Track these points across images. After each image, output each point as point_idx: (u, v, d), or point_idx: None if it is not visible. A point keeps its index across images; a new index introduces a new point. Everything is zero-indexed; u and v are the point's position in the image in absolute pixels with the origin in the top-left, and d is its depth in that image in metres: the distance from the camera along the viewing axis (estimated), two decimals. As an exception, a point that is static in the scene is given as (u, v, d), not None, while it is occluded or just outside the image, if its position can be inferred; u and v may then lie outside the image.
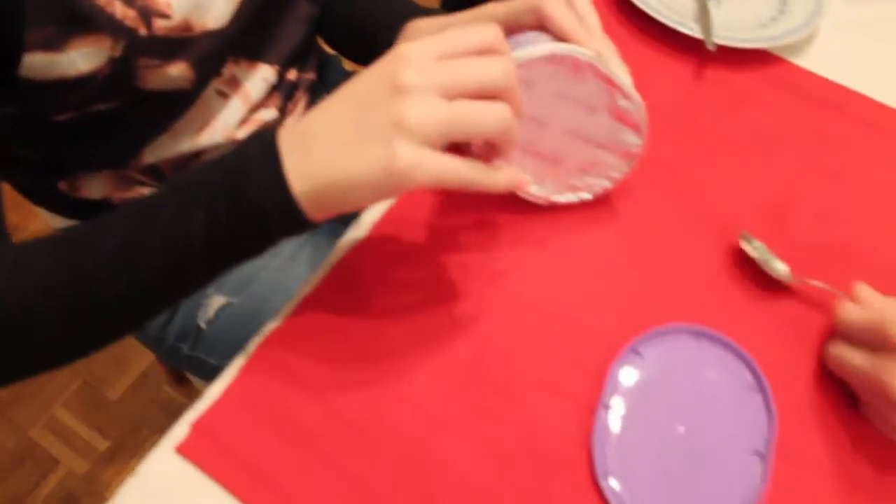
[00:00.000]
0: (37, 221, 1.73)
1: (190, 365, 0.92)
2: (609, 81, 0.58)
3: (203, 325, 0.86)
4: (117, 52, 0.61)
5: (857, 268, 0.67)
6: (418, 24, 0.67)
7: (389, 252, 0.67)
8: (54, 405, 1.56)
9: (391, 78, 0.48)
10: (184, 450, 0.56)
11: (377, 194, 0.50)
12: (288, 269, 0.86)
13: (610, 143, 0.63)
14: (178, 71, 0.67)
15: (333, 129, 0.49)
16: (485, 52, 0.50)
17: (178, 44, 0.65)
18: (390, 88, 0.48)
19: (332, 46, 0.92)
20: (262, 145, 0.50)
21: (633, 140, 0.63)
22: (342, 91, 0.50)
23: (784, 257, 0.66)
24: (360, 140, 0.48)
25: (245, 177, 0.50)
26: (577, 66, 0.57)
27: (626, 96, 0.59)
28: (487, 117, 0.49)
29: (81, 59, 0.59)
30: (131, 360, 1.62)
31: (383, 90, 0.48)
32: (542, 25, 0.57)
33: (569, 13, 0.57)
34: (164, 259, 0.52)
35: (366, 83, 0.50)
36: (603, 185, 0.67)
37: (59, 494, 1.48)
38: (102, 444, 1.52)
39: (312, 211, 0.50)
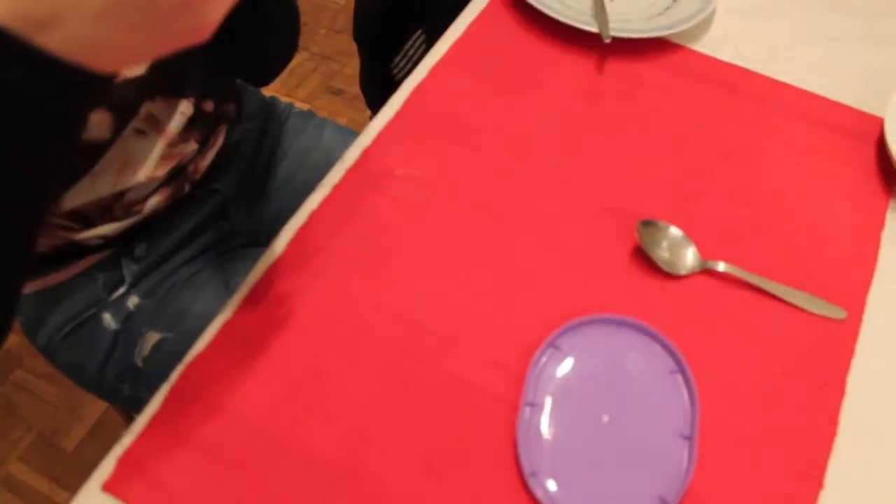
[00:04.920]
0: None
1: (134, 405, 0.91)
2: None
3: (140, 364, 0.85)
4: None
5: (762, 244, 0.69)
6: None
7: (301, 271, 0.68)
8: (8, 461, 1.53)
9: None
10: (110, 487, 0.56)
11: None
12: (221, 299, 0.86)
13: None
14: (97, 118, 0.67)
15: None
16: None
17: None
18: None
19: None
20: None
21: None
22: None
23: (694, 238, 0.68)
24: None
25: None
26: None
27: None
28: None
29: None
30: (85, 408, 1.60)
31: None
32: None
33: None
34: None
35: None
36: None
37: (22, 550, 1.45)
38: (62, 496, 1.50)
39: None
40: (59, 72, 0.39)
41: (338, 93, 1.98)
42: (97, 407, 1.59)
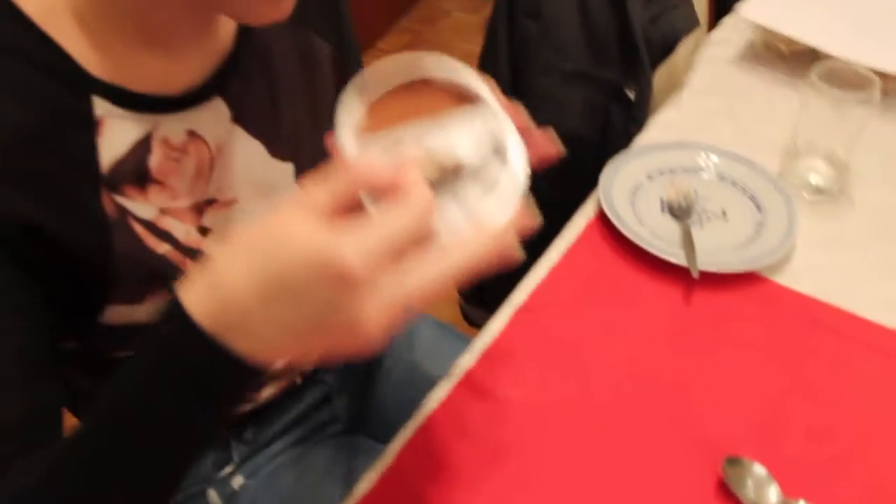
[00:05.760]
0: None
1: None
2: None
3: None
4: None
5: (844, 485, 0.72)
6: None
7: (404, 489, 0.73)
8: None
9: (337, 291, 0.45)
10: None
11: None
12: (319, 487, 0.91)
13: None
14: None
15: (280, 320, 0.47)
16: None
17: None
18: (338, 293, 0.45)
19: None
20: (191, 335, 0.48)
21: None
22: (270, 277, 0.46)
23: (776, 475, 0.72)
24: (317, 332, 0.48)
25: (209, 376, 0.50)
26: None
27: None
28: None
29: (155, 307, 0.67)
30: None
31: (330, 296, 0.46)
32: None
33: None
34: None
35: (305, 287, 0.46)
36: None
37: None
38: None
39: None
40: (239, 364, 0.49)
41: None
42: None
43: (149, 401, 0.51)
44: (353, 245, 0.44)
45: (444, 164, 0.54)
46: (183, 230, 0.68)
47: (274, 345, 0.49)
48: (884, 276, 0.92)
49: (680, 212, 0.97)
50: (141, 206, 0.65)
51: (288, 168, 0.77)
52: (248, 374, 0.50)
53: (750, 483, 0.71)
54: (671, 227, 0.96)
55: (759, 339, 0.85)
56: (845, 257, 0.94)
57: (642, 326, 0.86)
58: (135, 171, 0.65)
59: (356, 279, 0.44)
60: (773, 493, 0.71)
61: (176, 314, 0.48)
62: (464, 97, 0.59)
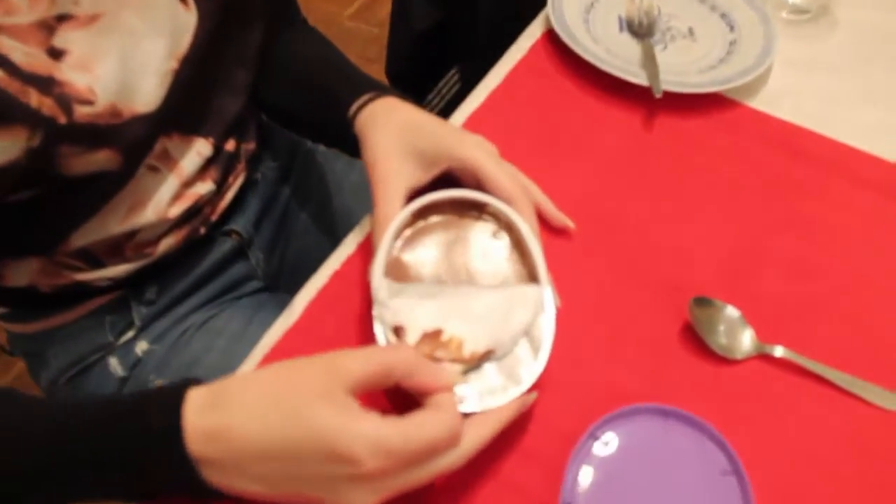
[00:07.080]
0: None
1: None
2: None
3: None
4: (35, 143, 0.57)
5: (824, 327, 0.63)
6: (392, 116, 0.68)
7: (320, 333, 0.64)
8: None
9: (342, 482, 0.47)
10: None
11: None
12: (233, 351, 0.81)
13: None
14: (104, 157, 0.63)
15: (267, 477, 0.49)
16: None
17: (105, 131, 0.62)
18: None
19: (270, 115, 0.88)
20: (176, 454, 0.48)
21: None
22: (280, 441, 0.47)
23: (750, 319, 0.62)
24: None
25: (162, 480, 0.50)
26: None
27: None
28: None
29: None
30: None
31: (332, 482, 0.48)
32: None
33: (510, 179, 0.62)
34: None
35: (309, 462, 0.47)
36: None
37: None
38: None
39: None
40: (199, 486, 0.48)
41: (366, 123, 1.96)
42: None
43: (91, 460, 0.50)
44: (370, 440, 0.45)
45: (477, 352, 0.55)
46: (23, 53, 0.56)
47: (245, 491, 0.49)
48: (867, 101, 0.81)
49: (641, 30, 0.85)
50: None
51: None
52: (199, 492, 0.49)
53: (721, 327, 0.61)
54: (630, 47, 0.84)
55: (731, 170, 0.74)
56: (827, 81, 0.84)
57: (597, 157, 0.74)
58: None
59: (362, 472, 0.46)
60: (747, 338, 0.61)
61: (172, 420, 0.48)
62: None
